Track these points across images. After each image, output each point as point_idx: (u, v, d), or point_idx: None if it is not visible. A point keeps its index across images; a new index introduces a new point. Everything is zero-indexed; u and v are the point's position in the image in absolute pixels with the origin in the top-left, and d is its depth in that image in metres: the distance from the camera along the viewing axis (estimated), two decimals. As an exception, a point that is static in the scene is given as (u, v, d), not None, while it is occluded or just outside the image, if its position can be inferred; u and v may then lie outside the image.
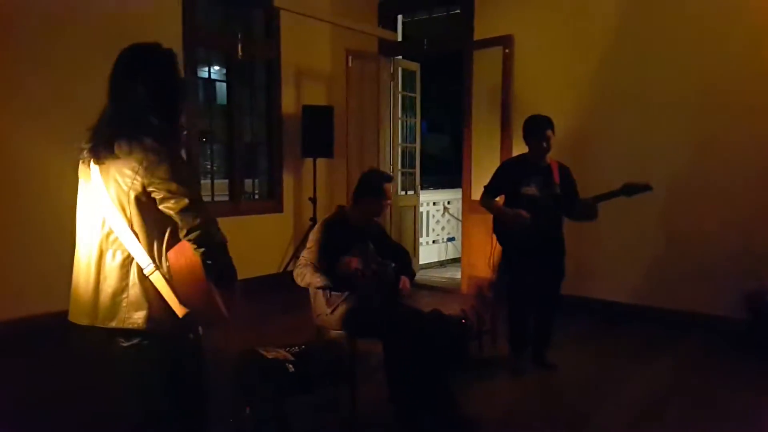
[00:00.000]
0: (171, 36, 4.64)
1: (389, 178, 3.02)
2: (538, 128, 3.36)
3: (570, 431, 2.75)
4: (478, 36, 5.32)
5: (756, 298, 3.92)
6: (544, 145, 3.35)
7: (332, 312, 2.83)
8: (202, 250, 1.59)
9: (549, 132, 3.34)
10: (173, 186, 1.59)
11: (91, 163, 1.64)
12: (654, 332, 4.22)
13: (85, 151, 1.65)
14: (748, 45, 4.09)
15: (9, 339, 3.61)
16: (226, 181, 5.57)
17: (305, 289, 2.90)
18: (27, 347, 3.66)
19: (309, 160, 5.66)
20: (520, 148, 4.55)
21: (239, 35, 5.09)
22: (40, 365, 3.51)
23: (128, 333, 1.65)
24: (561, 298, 3.58)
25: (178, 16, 4.79)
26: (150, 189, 1.60)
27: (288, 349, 2.69)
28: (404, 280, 2.94)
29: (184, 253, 1.61)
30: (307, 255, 2.81)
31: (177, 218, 1.60)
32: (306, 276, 2.76)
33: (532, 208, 3.33)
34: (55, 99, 4.02)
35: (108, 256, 1.64)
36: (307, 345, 2.77)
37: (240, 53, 5.08)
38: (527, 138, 3.42)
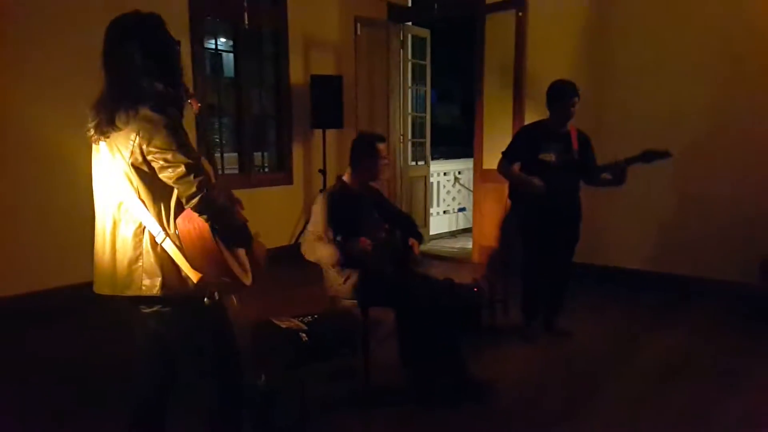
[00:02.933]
0: (177, 6, 4.57)
1: (381, 138, 2.94)
2: (564, 94, 3.29)
3: (582, 398, 2.77)
4: (489, -1, 5.18)
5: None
6: (570, 111, 3.28)
7: (345, 282, 2.84)
8: (205, 216, 1.60)
9: (575, 99, 3.27)
10: (169, 155, 1.58)
11: (99, 138, 1.67)
12: (668, 299, 4.20)
13: (91, 129, 1.66)
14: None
15: (33, 311, 3.71)
16: (236, 154, 5.56)
17: (314, 263, 2.90)
18: (50, 319, 3.75)
19: (318, 132, 5.61)
20: (532, 116, 4.48)
21: (245, 4, 5.00)
22: (63, 336, 3.60)
23: (147, 300, 1.69)
24: (574, 264, 3.57)
25: (182, -16, 4.70)
26: (149, 158, 1.60)
27: (301, 319, 2.72)
28: (414, 243, 2.93)
29: (192, 220, 1.62)
30: (312, 229, 2.80)
31: (176, 186, 1.62)
32: (316, 250, 2.75)
33: (550, 174, 3.30)
34: (68, 76, 3.95)
35: (121, 226, 1.67)
36: (320, 315, 2.79)
37: (246, 22, 5.00)
38: (551, 103, 3.35)
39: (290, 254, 5.32)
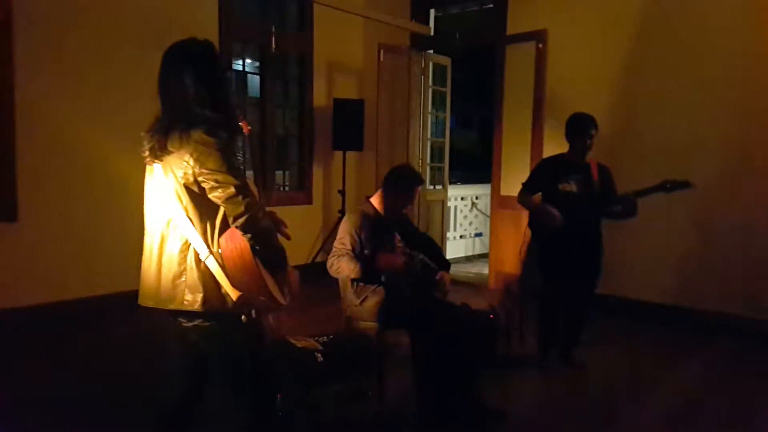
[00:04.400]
0: (207, 30, 4.73)
1: (421, 182, 3.04)
2: (582, 126, 3.33)
3: (595, 429, 2.74)
4: (511, 31, 5.27)
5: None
6: (588, 143, 3.32)
7: (361, 303, 2.87)
8: (249, 235, 1.67)
9: (593, 131, 3.31)
10: (220, 176, 1.66)
11: (153, 159, 1.76)
12: (685, 332, 4.15)
13: (146, 151, 1.76)
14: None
15: (82, 316, 3.92)
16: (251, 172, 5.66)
17: (334, 281, 2.94)
18: (98, 324, 3.92)
19: (339, 153, 5.71)
20: (551, 145, 4.52)
21: (273, 28, 5.16)
22: (108, 342, 3.72)
23: (188, 314, 1.76)
24: (595, 297, 3.54)
25: (214, 10, 4.89)
26: (200, 179, 1.69)
27: (317, 338, 2.74)
28: (444, 276, 2.96)
29: (234, 239, 1.69)
30: (339, 246, 2.85)
31: (224, 206, 1.70)
32: (342, 265, 2.78)
33: (570, 205, 3.31)
34: (119, 98, 4.23)
35: (169, 242, 1.75)
36: (336, 335, 2.82)
37: (273, 46, 5.15)
38: (570, 135, 3.39)
39: (308, 273, 5.39)
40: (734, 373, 3.47)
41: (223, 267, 1.71)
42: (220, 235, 1.73)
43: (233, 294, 1.72)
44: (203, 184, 1.69)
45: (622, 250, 4.59)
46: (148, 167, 1.82)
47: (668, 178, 3.23)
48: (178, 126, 1.69)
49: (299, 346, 2.66)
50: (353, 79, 6.09)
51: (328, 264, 2.84)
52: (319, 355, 2.63)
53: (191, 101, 1.71)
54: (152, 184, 1.80)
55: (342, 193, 5.64)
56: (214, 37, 4.86)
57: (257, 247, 1.68)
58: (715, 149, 4.26)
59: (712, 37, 4.26)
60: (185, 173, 1.69)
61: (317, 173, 5.88)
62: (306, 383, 2.56)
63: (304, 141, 5.81)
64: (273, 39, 5.15)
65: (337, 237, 2.88)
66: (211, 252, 1.72)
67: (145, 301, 1.81)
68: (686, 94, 4.37)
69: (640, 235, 4.55)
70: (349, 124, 5.52)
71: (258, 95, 5.65)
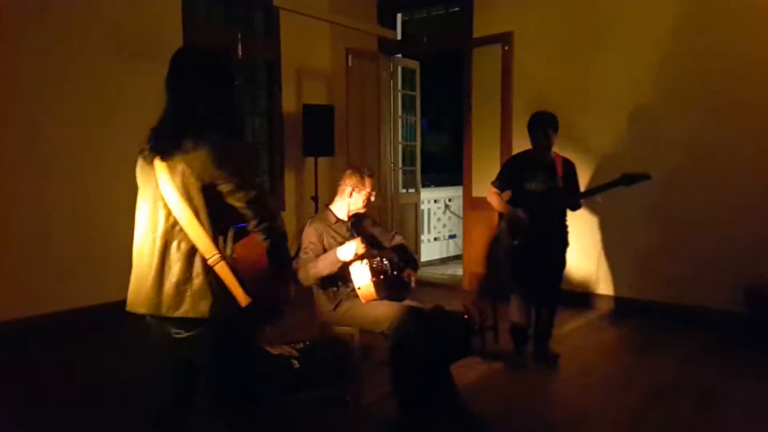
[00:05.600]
0: (171, 36, 4.67)
1: (370, 174, 2.99)
2: (539, 125, 3.43)
3: (572, 422, 2.78)
4: (477, 33, 5.34)
5: (755, 292, 3.94)
6: (543, 142, 3.40)
7: (335, 308, 2.86)
8: (269, 240, 1.68)
9: (549, 130, 3.39)
10: (240, 180, 1.66)
11: (156, 159, 1.68)
12: (655, 326, 4.25)
13: (147, 150, 1.70)
14: (736, 36, 4.11)
15: (67, 328, 3.86)
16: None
17: (307, 288, 2.93)
18: (85, 335, 3.90)
19: (310, 159, 5.68)
20: (519, 145, 4.58)
21: (239, 35, 5.11)
22: (96, 352, 3.71)
23: (189, 323, 1.67)
24: (561, 290, 3.62)
25: (178, 16, 4.82)
26: (218, 182, 1.65)
27: (292, 345, 2.72)
28: (410, 273, 2.99)
29: (253, 245, 1.69)
30: (305, 256, 2.84)
31: (245, 210, 1.68)
32: (311, 270, 2.78)
33: (536, 201, 3.39)
34: (88, 103, 4.19)
35: (173, 247, 1.67)
36: (311, 341, 2.80)
37: (240, 53, 5.10)
38: (530, 133, 3.47)
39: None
40: (702, 366, 3.54)
41: (235, 272, 1.65)
42: (234, 239, 1.68)
43: (243, 301, 1.66)
44: (220, 187, 1.66)
45: (591, 246, 4.70)
46: (143, 168, 1.74)
47: (627, 172, 3.33)
48: (193, 127, 1.66)
49: (274, 353, 2.63)
50: (322, 84, 6.08)
51: (300, 276, 2.82)
52: (295, 362, 2.61)
53: (208, 105, 1.70)
54: (149, 187, 1.72)
55: (315, 199, 5.62)
56: (178, 44, 4.81)
57: (275, 251, 1.68)
58: (673, 142, 4.37)
59: (676, 37, 4.37)
60: (200, 175, 1.63)
61: (289, 180, 5.84)
62: (282, 391, 2.54)
63: (274, 148, 5.77)
64: (240, 46, 5.11)
65: (302, 247, 2.88)
66: (223, 257, 1.65)
67: (136, 307, 1.71)
68: (649, 92, 4.49)
69: (605, 231, 4.67)
70: (319, 130, 5.51)
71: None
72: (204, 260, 1.65)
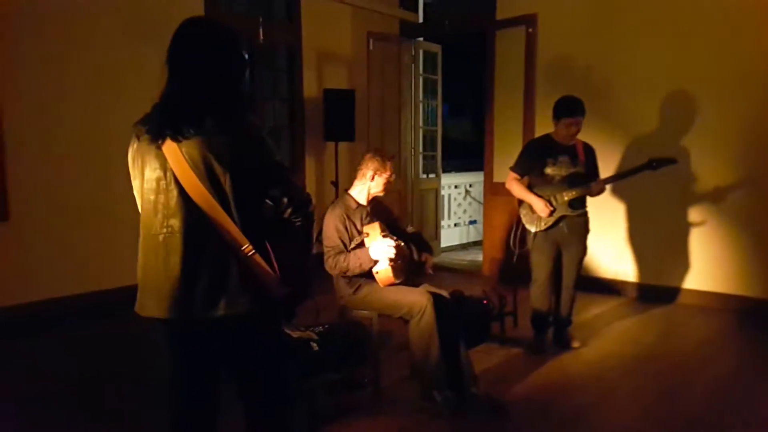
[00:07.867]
0: (194, 21, 4.67)
1: (391, 157, 2.99)
2: (568, 110, 3.34)
3: (590, 407, 2.76)
4: (500, 15, 5.24)
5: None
6: (574, 128, 3.33)
7: (355, 292, 2.88)
8: (300, 220, 1.61)
9: (578, 116, 3.32)
10: (274, 162, 1.60)
11: (167, 141, 1.50)
12: (683, 313, 4.18)
13: (152, 129, 1.52)
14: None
15: (76, 313, 3.90)
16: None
17: (326, 271, 2.94)
18: (93, 321, 3.91)
19: (331, 144, 5.68)
20: (542, 130, 4.50)
21: (260, 19, 5.11)
22: (105, 338, 3.75)
23: (229, 321, 1.54)
24: (581, 277, 3.58)
25: (200, 1, 4.83)
26: (248, 165, 1.53)
27: (312, 329, 2.75)
28: (427, 257, 3.00)
29: (292, 233, 1.62)
30: (332, 244, 2.84)
31: (274, 191, 1.59)
32: (341, 264, 2.76)
33: (557, 187, 3.34)
34: (107, 92, 4.22)
35: (197, 239, 1.51)
36: (331, 325, 2.83)
37: (261, 38, 5.10)
38: (556, 118, 3.39)
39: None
40: (732, 354, 3.48)
41: (270, 263, 1.54)
42: (267, 227, 1.57)
43: (280, 290, 1.57)
44: (248, 172, 1.53)
45: (617, 233, 4.63)
46: (143, 150, 1.55)
47: (654, 156, 3.27)
48: (217, 106, 1.52)
49: (294, 336, 2.67)
50: (343, 68, 6.05)
51: (329, 265, 2.83)
52: (315, 344, 2.64)
53: (229, 85, 1.57)
54: (157, 172, 1.53)
55: (335, 184, 5.62)
56: (201, 30, 4.83)
57: (304, 234, 1.63)
58: (699, 131, 4.26)
59: (702, 19, 4.24)
60: (231, 158, 1.49)
61: (309, 165, 5.85)
62: (302, 373, 2.57)
63: (295, 133, 5.78)
64: (261, 30, 5.10)
65: (325, 235, 2.88)
66: (255, 247, 1.52)
67: (156, 312, 1.54)
68: (678, 77, 4.37)
69: (630, 217, 4.58)
70: (340, 115, 5.49)
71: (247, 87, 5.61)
72: (236, 253, 1.51)
